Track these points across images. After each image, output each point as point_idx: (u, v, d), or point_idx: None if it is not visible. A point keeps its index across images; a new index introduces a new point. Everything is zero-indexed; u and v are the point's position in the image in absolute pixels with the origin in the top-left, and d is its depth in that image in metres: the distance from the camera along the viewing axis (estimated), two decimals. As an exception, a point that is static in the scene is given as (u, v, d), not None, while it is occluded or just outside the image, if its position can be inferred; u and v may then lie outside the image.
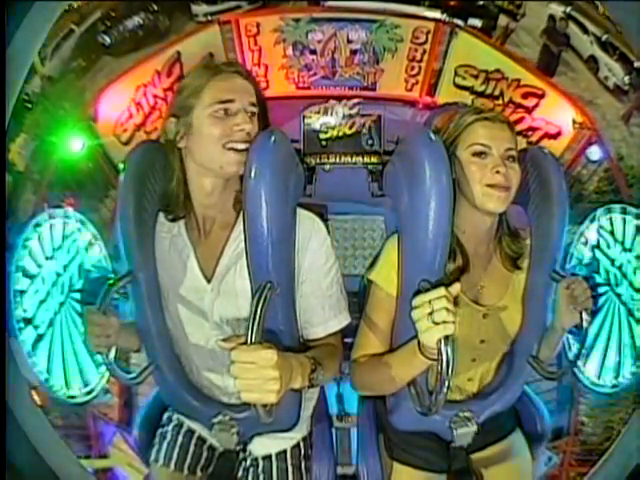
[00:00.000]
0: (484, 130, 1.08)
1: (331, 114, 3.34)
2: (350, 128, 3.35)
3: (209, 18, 3.37)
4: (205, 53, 3.17)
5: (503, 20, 3.62)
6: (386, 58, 3.30)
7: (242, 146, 1.00)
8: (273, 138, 0.98)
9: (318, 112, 3.33)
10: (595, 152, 3.07)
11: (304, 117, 3.31)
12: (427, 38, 3.24)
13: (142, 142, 1.13)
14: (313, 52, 3.30)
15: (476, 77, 3.23)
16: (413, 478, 1.23)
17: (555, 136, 3.16)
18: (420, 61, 3.29)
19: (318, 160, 3.32)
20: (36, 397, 2.28)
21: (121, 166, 1.08)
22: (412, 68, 3.30)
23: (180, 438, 1.25)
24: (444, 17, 3.24)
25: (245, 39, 3.23)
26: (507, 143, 1.08)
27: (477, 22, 3.44)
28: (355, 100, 3.35)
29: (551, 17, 3.88)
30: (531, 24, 3.88)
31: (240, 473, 1.21)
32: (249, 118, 1.02)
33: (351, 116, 3.34)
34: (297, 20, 3.24)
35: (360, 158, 3.34)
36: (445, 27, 3.23)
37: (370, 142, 3.35)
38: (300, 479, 1.21)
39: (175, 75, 3.14)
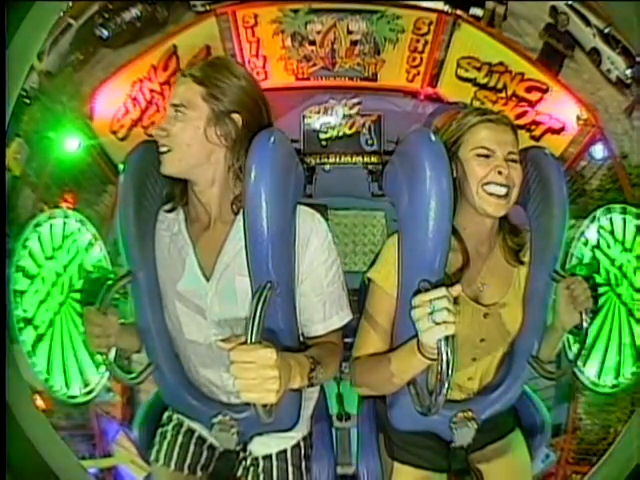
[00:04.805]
0: (488, 132, 1.08)
1: (331, 114, 3.33)
2: (350, 128, 3.34)
3: (207, 8, 3.35)
4: (202, 45, 3.16)
5: (490, 4, 3.58)
6: (387, 49, 3.26)
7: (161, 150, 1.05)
8: (273, 138, 0.98)
9: (318, 112, 3.33)
10: (599, 150, 3.06)
11: (304, 117, 3.30)
12: (429, 29, 3.21)
13: (142, 142, 1.13)
14: (312, 43, 3.26)
15: (479, 69, 3.20)
16: (413, 478, 1.23)
17: (559, 131, 3.14)
18: (422, 52, 3.25)
19: (318, 160, 3.31)
20: (40, 401, 2.29)
21: (121, 167, 1.08)
22: (414, 59, 3.27)
23: (180, 438, 1.25)
24: (446, 8, 3.21)
25: (242, 30, 3.20)
26: (510, 147, 1.08)
27: (479, 11, 3.41)
28: (355, 100, 3.34)
29: (553, 8, 3.85)
30: (532, 13, 3.85)
31: (240, 473, 1.21)
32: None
33: (351, 116, 3.33)
34: (296, 11, 3.21)
35: (360, 158, 3.34)
36: (447, 18, 3.20)
37: (370, 142, 3.34)
38: (300, 479, 1.21)
39: (171, 68, 3.12)
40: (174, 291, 1.09)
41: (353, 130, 3.34)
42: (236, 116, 1.04)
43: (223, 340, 0.88)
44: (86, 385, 2.56)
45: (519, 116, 3.15)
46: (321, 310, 1.10)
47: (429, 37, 3.24)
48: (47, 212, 2.58)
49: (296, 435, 1.22)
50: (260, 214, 0.95)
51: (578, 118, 3.07)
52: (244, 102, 1.05)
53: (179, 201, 1.11)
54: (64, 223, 2.58)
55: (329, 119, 3.33)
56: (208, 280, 1.07)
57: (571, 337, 1.26)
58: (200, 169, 1.04)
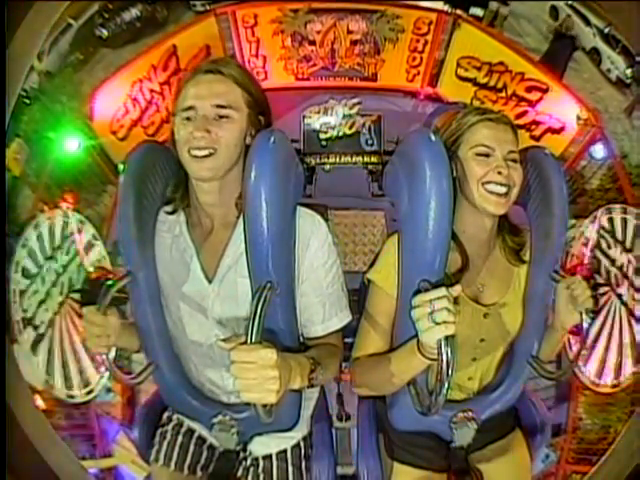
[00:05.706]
0: (488, 131, 1.08)
1: (331, 114, 3.33)
2: (350, 128, 3.35)
3: (207, 8, 3.35)
4: (202, 45, 3.17)
5: (493, 5, 3.59)
6: (387, 49, 3.27)
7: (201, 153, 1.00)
8: (273, 138, 0.98)
9: (318, 112, 3.33)
10: (599, 150, 3.07)
11: (304, 117, 3.30)
12: (429, 29, 3.22)
13: (142, 142, 1.13)
14: (312, 43, 3.26)
15: (479, 69, 3.20)
16: (413, 478, 1.23)
17: (559, 131, 3.14)
18: (422, 52, 3.26)
19: (318, 160, 3.31)
20: (40, 401, 2.29)
21: (121, 167, 1.08)
22: (414, 59, 3.28)
23: (180, 438, 1.25)
24: (446, 8, 3.21)
25: (242, 30, 3.21)
26: (510, 145, 1.08)
27: (479, 11, 3.41)
28: (355, 100, 3.34)
29: (553, 7, 3.85)
30: (532, 13, 3.85)
31: (240, 473, 1.21)
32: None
33: (351, 116, 3.34)
34: (295, 11, 3.21)
35: (360, 158, 3.34)
36: (447, 18, 3.21)
37: (370, 142, 3.34)
38: (300, 479, 1.21)
39: (171, 68, 3.13)
40: (177, 292, 1.09)
41: (353, 130, 3.34)
42: (262, 118, 1.07)
43: (224, 340, 0.88)
44: (86, 385, 2.56)
45: (519, 116, 3.15)
46: (321, 311, 1.10)
47: (429, 37, 3.24)
48: (47, 212, 2.59)
49: (296, 435, 1.22)
50: (260, 214, 0.95)
51: (578, 118, 3.07)
52: (266, 104, 1.09)
53: (180, 204, 1.11)
54: (64, 223, 2.59)
55: (329, 119, 3.33)
56: (210, 282, 1.07)
57: (571, 337, 1.25)
58: (230, 172, 1.04)
